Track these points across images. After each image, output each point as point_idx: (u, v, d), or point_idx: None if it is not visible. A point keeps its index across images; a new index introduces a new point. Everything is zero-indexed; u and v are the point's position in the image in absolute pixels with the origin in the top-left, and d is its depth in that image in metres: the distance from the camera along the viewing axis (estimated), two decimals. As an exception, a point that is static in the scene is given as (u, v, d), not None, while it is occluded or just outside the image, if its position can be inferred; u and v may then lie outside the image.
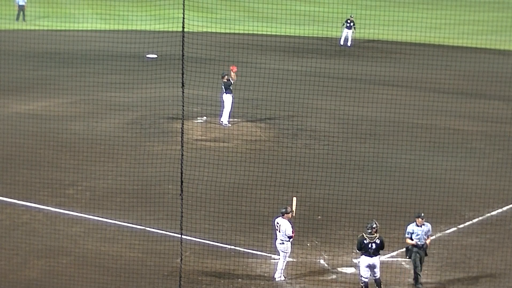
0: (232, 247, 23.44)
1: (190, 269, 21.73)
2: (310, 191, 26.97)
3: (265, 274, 22.37)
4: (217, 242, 23.67)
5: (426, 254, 22.09)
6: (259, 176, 28.71)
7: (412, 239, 21.85)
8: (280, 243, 22.07)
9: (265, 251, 23.47)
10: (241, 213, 25.44)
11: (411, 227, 21.85)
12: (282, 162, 30.54)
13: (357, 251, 21.29)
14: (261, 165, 29.40)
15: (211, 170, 28.46)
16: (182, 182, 17.83)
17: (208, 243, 23.58)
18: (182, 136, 19.04)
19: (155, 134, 33.93)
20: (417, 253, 21.85)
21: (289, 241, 21.85)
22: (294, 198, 22.08)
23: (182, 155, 18.02)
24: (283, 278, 22.06)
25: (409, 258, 21.92)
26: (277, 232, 22.08)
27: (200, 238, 23.62)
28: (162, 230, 23.98)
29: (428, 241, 22.02)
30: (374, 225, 20.93)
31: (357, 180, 29.04)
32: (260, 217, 25.57)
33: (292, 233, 21.85)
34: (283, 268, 22.11)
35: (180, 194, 18.14)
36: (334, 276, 22.44)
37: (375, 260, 21.12)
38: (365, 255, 21.03)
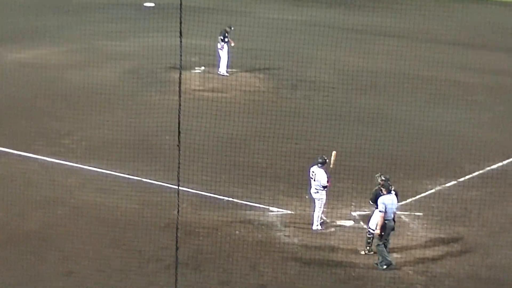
0: (230, 199, 23.00)
1: (187, 220, 21.25)
2: (309, 142, 26.15)
3: (263, 227, 21.94)
4: (215, 194, 23.22)
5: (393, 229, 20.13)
6: (257, 127, 28.13)
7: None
8: (315, 192, 21.81)
9: (263, 203, 23.01)
10: (239, 164, 24.74)
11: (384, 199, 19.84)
12: (281, 113, 29.81)
13: (371, 203, 20.68)
14: (260, 116, 29.00)
15: (209, 120, 27.83)
16: (179, 133, 16.78)
17: (206, 195, 23.13)
18: (180, 86, 18.17)
19: (152, 83, 33.35)
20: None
21: (323, 190, 21.59)
22: (334, 152, 21.74)
23: (180, 105, 17.08)
24: (320, 227, 21.79)
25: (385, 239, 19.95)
26: (312, 180, 21.75)
27: (197, 190, 23.16)
28: (159, 181, 23.50)
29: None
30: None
31: (356, 132, 28.44)
32: (258, 168, 24.92)
33: (328, 182, 21.49)
34: (320, 216, 21.87)
35: (178, 145, 17.20)
36: (333, 229, 22.02)
37: None
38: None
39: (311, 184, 21.82)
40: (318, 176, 21.68)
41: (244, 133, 27.21)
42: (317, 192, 21.72)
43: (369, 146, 26.21)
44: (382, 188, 19.68)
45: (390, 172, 21.91)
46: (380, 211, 19.57)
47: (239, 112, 29.13)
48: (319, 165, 21.73)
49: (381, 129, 28.83)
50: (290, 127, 28.06)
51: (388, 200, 19.72)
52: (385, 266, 19.96)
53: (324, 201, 21.80)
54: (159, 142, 26.10)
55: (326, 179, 21.54)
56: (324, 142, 25.25)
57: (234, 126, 27.20)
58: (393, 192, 19.98)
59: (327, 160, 21.66)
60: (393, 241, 20.70)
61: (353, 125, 29.36)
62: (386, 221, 19.79)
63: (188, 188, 22.46)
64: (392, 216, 20.00)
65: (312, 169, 21.83)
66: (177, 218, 18.22)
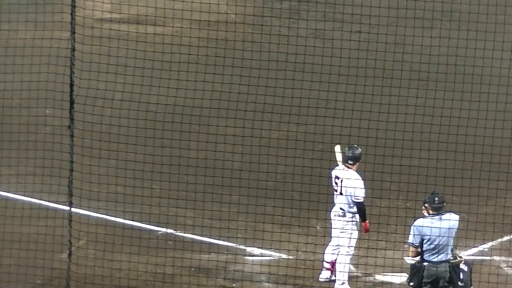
0: (171, 231, 17.28)
1: (86, 273, 15.98)
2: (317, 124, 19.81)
3: (234, 284, 16.43)
4: (141, 222, 17.16)
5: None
6: (221, 93, 20.06)
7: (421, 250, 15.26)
8: (339, 215, 16.41)
9: (235, 240, 17.36)
10: (187, 166, 17.89)
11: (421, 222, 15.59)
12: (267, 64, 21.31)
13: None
14: (229, 70, 20.20)
15: (123, 80, 19.91)
16: (72, 105, 14.06)
17: (122, 223, 17.27)
18: (73, 12, 14.04)
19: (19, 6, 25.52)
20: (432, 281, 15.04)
21: (355, 214, 16.07)
22: (337, 147, 16.91)
23: (74, 50, 13.92)
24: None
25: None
26: (336, 193, 16.30)
27: (105, 214, 17.38)
28: (33, 198, 17.80)
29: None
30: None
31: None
32: (225, 174, 18.37)
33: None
34: (347, 265, 16.59)
35: (69, 128, 14.43)
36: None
37: None
38: None
39: (334, 201, 16.44)
40: (348, 183, 16.25)
41: (195, 103, 19.39)
42: (344, 215, 16.30)
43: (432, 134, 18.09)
44: (425, 206, 15.21)
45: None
46: (409, 243, 15.06)
47: (188, 65, 20.44)
48: (349, 162, 16.20)
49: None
50: (285, 93, 19.57)
51: (427, 227, 15.04)
52: None
53: (355, 235, 16.45)
54: (33, 121, 19.13)
55: (363, 191, 16.14)
56: (349, 122, 17.48)
57: (175, 91, 18.95)
58: (446, 214, 15.18)
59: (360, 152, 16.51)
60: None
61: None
62: (424, 264, 14.85)
63: (89, 211, 17.35)
64: (442, 256, 14.91)
65: (335, 172, 16.50)
66: (68, 267, 15.17)
